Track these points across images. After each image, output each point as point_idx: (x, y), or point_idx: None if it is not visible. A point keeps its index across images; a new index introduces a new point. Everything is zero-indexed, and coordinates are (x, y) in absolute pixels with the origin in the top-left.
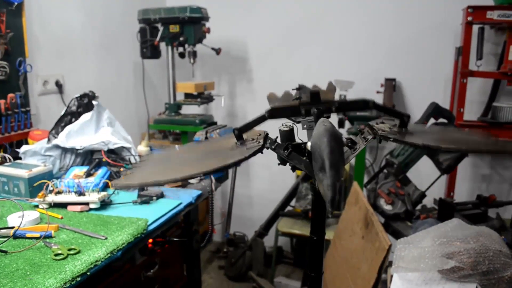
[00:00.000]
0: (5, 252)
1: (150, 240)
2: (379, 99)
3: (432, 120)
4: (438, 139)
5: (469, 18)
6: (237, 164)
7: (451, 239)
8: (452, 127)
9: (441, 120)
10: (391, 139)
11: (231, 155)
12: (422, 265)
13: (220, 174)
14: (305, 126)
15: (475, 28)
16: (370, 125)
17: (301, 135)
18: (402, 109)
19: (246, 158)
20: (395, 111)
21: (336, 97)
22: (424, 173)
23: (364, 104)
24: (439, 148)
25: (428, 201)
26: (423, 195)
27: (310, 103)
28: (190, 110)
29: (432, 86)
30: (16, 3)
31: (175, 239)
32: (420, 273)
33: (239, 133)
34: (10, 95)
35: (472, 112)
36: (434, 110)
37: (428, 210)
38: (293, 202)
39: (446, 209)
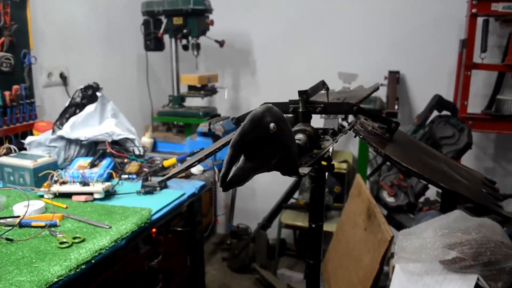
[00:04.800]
0: (11, 240)
1: (154, 230)
2: (382, 92)
3: (435, 113)
4: (411, 157)
5: (474, 10)
6: (216, 151)
7: (453, 230)
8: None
9: (445, 112)
10: (360, 137)
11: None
12: (424, 256)
13: None
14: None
15: (480, 20)
16: (361, 121)
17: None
18: (405, 102)
19: (224, 145)
20: (382, 117)
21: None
22: None
23: (349, 108)
24: (398, 163)
25: (431, 194)
26: (426, 187)
27: (298, 102)
28: (194, 102)
29: (436, 79)
30: None
31: (178, 228)
32: (421, 264)
33: (237, 122)
34: (15, 86)
35: (476, 104)
36: (438, 103)
37: (431, 203)
38: (296, 195)
39: (448, 202)
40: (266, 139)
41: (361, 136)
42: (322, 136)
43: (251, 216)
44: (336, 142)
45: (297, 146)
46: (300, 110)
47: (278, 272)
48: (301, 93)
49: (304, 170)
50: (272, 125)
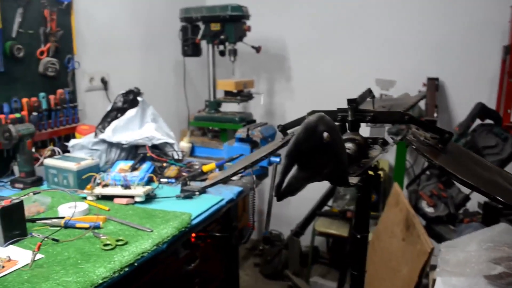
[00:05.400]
0: (57, 240)
1: (193, 234)
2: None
3: (478, 121)
4: (466, 169)
5: None
6: (262, 159)
7: (498, 244)
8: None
9: (488, 121)
10: (414, 147)
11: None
12: (468, 270)
13: (260, 171)
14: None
15: None
16: (412, 131)
17: None
18: (445, 109)
19: (271, 153)
20: (434, 127)
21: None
22: None
23: (400, 117)
24: (453, 175)
25: (471, 205)
26: (467, 198)
27: (346, 111)
28: (229, 107)
29: (477, 86)
30: (65, 2)
31: (217, 234)
32: (465, 278)
33: (283, 129)
34: (59, 90)
35: None
36: (481, 111)
37: (471, 214)
38: (330, 202)
39: (491, 214)
40: (319, 148)
41: (414, 147)
42: (371, 146)
43: (284, 222)
44: (386, 152)
45: (347, 156)
46: (349, 119)
47: (311, 280)
48: (350, 101)
49: (352, 180)
50: (325, 134)
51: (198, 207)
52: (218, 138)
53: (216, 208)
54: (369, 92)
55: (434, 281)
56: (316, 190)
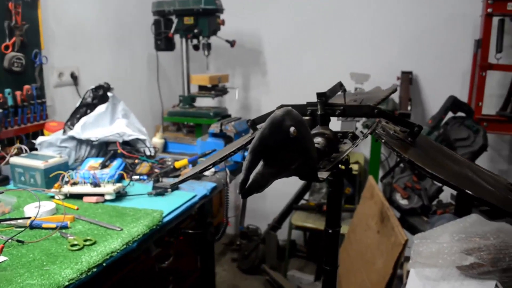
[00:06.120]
0: (22, 242)
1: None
2: (395, 92)
3: (450, 114)
4: (435, 163)
5: (489, 10)
6: (230, 155)
7: (470, 235)
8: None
9: (460, 114)
10: (382, 141)
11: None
12: (440, 261)
13: (234, 166)
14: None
15: (495, 20)
16: (382, 124)
17: None
18: (418, 103)
19: (239, 149)
20: (404, 121)
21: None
22: None
23: (369, 110)
24: (422, 168)
25: (444, 196)
26: (440, 189)
27: (316, 105)
28: (204, 102)
29: (450, 80)
30: None
31: (190, 231)
32: (438, 269)
33: (253, 124)
34: (26, 86)
35: (491, 106)
36: (453, 104)
37: (444, 205)
38: (307, 196)
39: (463, 204)
40: (286, 144)
41: (383, 141)
42: (341, 140)
43: (261, 217)
44: (356, 146)
45: (316, 150)
46: (319, 112)
47: (288, 274)
48: (319, 95)
49: (322, 174)
50: (292, 129)
51: (170, 204)
52: (193, 133)
53: (189, 205)
54: (339, 86)
55: (408, 272)
56: (292, 184)
